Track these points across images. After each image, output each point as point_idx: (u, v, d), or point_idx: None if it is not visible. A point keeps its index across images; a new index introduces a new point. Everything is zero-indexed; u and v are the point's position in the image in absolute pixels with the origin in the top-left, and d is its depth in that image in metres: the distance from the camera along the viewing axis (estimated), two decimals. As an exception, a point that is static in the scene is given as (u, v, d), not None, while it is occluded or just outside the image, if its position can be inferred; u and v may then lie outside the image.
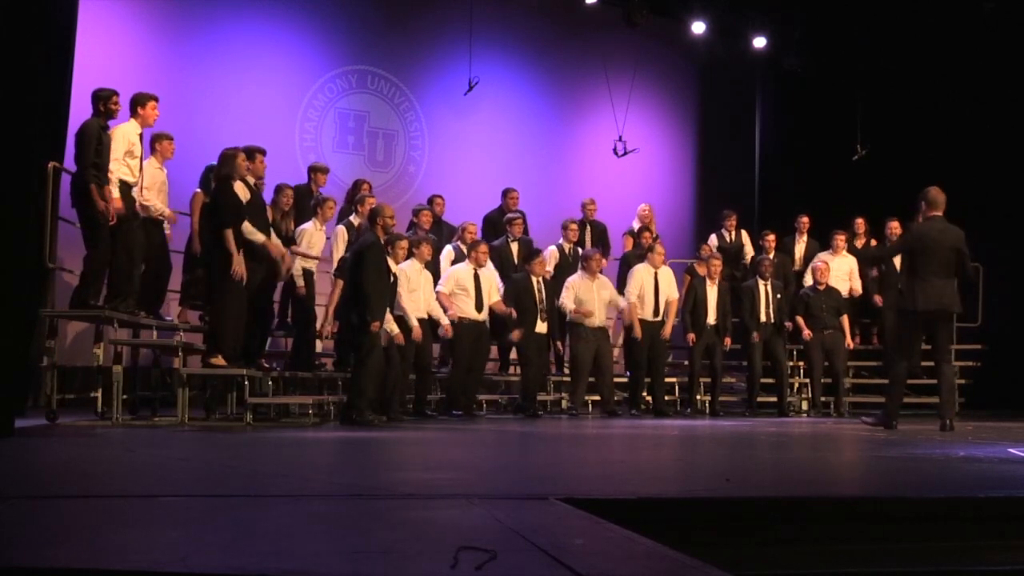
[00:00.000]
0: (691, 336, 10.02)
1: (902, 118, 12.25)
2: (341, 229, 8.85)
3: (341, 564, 2.12)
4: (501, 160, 12.41)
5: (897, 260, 9.93)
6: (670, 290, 9.99)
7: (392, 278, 7.92)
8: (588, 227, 10.66)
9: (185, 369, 7.42)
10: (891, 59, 12.30)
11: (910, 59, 12.12)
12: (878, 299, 10.64)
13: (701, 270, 10.30)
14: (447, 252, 9.58)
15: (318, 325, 8.60)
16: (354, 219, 8.89)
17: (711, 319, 10.06)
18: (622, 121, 12.37)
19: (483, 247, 9.30)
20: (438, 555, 2.18)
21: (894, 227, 10.33)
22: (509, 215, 10.14)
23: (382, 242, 7.66)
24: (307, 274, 8.54)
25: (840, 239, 10.66)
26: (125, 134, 7.27)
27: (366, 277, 7.40)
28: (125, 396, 7.35)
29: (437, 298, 8.92)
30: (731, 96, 13.93)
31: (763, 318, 10.21)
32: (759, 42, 13.18)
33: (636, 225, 10.95)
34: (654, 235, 10.56)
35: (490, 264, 9.40)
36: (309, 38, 11.65)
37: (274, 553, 2.22)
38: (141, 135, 7.44)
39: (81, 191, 6.91)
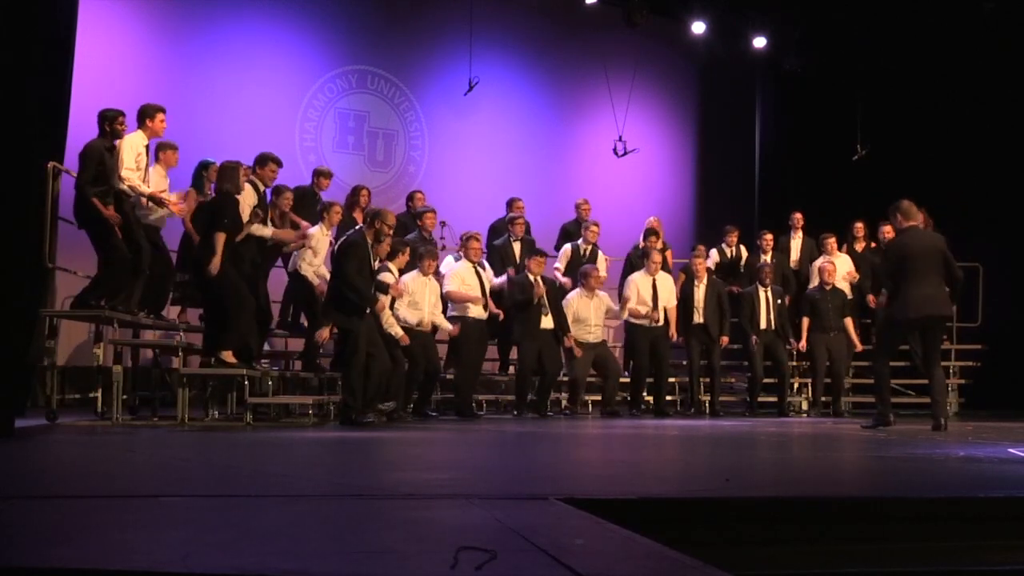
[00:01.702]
0: (673, 333, 10.00)
1: (902, 118, 12.25)
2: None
3: (341, 564, 2.12)
4: (501, 160, 12.41)
5: None
6: (669, 296, 9.97)
7: (378, 273, 7.89)
8: (582, 228, 10.64)
9: (185, 369, 7.42)
10: (891, 59, 12.31)
11: (910, 59, 12.13)
12: (871, 299, 10.64)
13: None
14: (450, 262, 9.53)
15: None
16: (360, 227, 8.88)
17: (698, 319, 10.05)
18: (622, 121, 12.36)
19: (475, 242, 9.28)
20: (438, 555, 2.18)
21: (887, 231, 10.32)
22: (512, 215, 10.14)
23: (369, 242, 7.58)
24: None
25: (831, 242, 10.65)
26: (133, 145, 7.28)
27: (347, 273, 7.33)
28: (125, 396, 7.35)
29: (451, 297, 8.91)
30: (731, 96, 13.93)
31: (763, 325, 10.20)
32: (759, 42, 13.18)
33: (641, 241, 10.90)
34: (662, 245, 10.59)
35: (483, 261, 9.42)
36: (309, 38, 11.65)
37: (274, 553, 2.21)
38: (148, 146, 7.46)
39: (83, 207, 6.92)
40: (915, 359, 9.22)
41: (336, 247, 7.79)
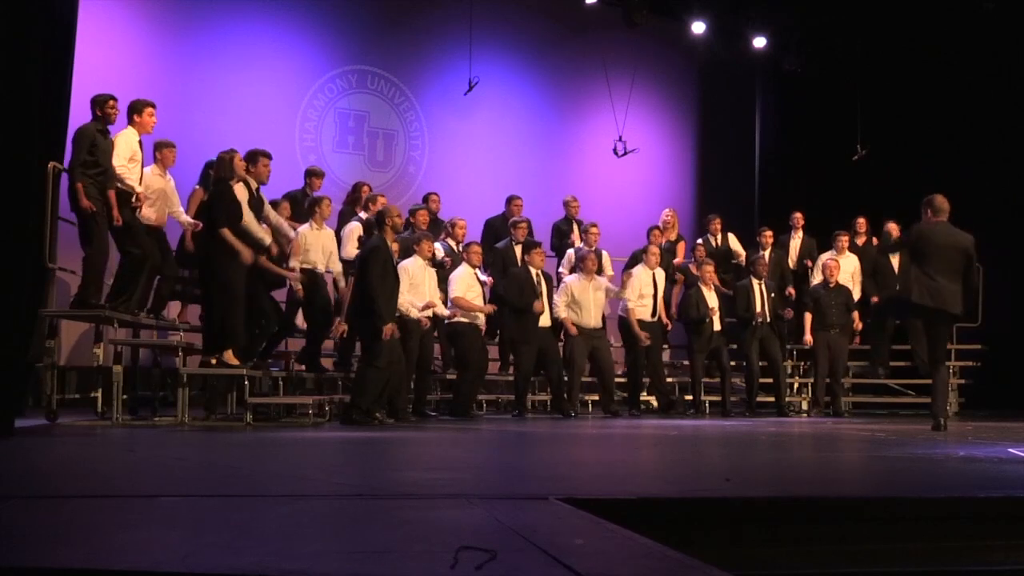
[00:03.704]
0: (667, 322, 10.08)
1: (902, 118, 12.25)
2: (356, 226, 8.81)
3: (341, 564, 2.12)
4: (501, 160, 12.41)
5: (895, 261, 9.96)
6: (663, 290, 10.03)
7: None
8: (575, 225, 10.66)
9: (185, 369, 7.42)
10: (891, 59, 12.30)
11: (910, 59, 12.12)
12: (875, 300, 10.65)
13: (696, 271, 10.31)
14: (435, 249, 9.55)
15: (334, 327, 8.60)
16: (364, 215, 8.87)
17: (716, 326, 10.06)
18: (622, 121, 12.36)
19: (476, 247, 9.29)
20: (438, 555, 2.18)
21: (891, 228, 10.32)
22: (514, 219, 10.12)
23: (389, 243, 7.65)
24: (311, 274, 8.49)
25: (843, 239, 10.66)
26: (128, 141, 7.32)
27: (373, 281, 7.40)
28: (125, 396, 7.35)
29: (457, 304, 8.89)
30: (731, 96, 13.92)
31: (759, 317, 10.20)
32: (759, 42, 13.18)
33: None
34: (676, 237, 10.69)
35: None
36: (309, 38, 11.64)
37: (274, 553, 2.22)
38: (140, 141, 7.48)
39: (72, 189, 6.94)
40: (916, 359, 9.21)
41: (358, 255, 7.80)
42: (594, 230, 10.18)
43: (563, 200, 10.89)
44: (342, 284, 8.63)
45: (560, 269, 10.26)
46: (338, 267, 8.65)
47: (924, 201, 7.40)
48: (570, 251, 10.33)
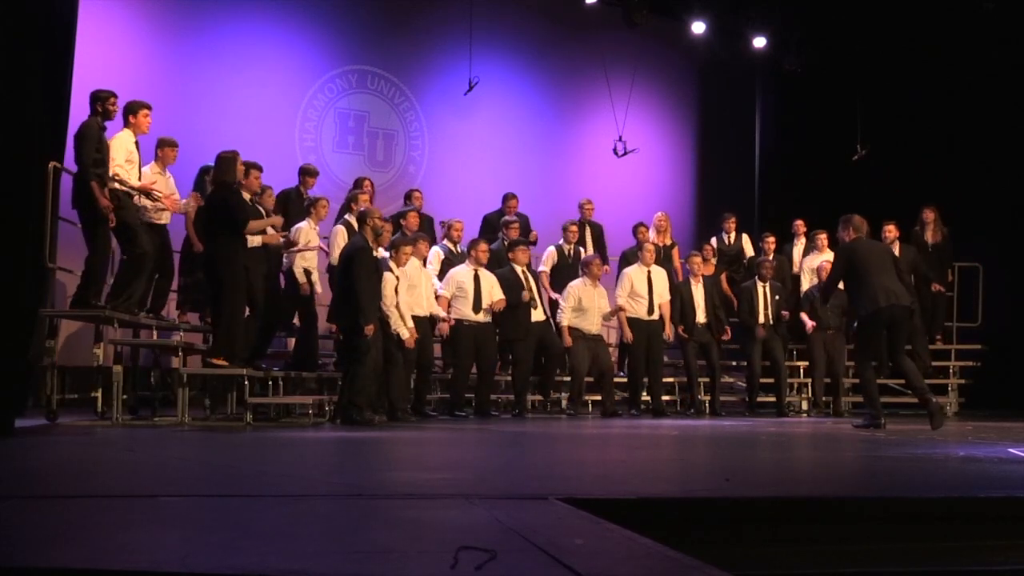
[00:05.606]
0: (679, 328, 10.04)
1: (902, 118, 12.25)
2: (340, 229, 8.83)
3: (341, 564, 2.12)
4: (501, 160, 12.41)
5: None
6: (663, 290, 9.94)
7: (396, 279, 7.94)
8: (587, 227, 10.67)
9: (185, 369, 7.42)
10: (891, 59, 12.30)
11: (910, 59, 12.12)
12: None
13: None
14: (435, 252, 9.54)
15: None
16: (350, 218, 8.87)
17: (700, 318, 10.05)
18: (622, 121, 12.36)
19: (483, 245, 9.28)
20: (438, 555, 2.18)
21: (890, 230, 10.29)
22: (506, 218, 10.13)
23: (371, 244, 7.65)
24: (306, 274, 8.54)
25: (821, 238, 10.63)
26: (123, 143, 7.32)
27: (357, 281, 7.40)
28: (125, 396, 7.35)
29: (436, 300, 8.92)
30: (731, 96, 13.92)
31: (762, 319, 10.18)
32: (759, 42, 13.17)
33: (652, 234, 10.89)
34: (671, 242, 10.71)
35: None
36: (309, 38, 11.64)
37: (274, 553, 2.22)
38: (137, 143, 7.47)
39: (82, 191, 6.92)
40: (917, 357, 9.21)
41: (340, 255, 7.80)
42: (572, 228, 10.25)
43: (578, 203, 10.91)
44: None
45: (541, 267, 10.25)
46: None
47: (843, 220, 7.84)
48: (550, 248, 10.35)
